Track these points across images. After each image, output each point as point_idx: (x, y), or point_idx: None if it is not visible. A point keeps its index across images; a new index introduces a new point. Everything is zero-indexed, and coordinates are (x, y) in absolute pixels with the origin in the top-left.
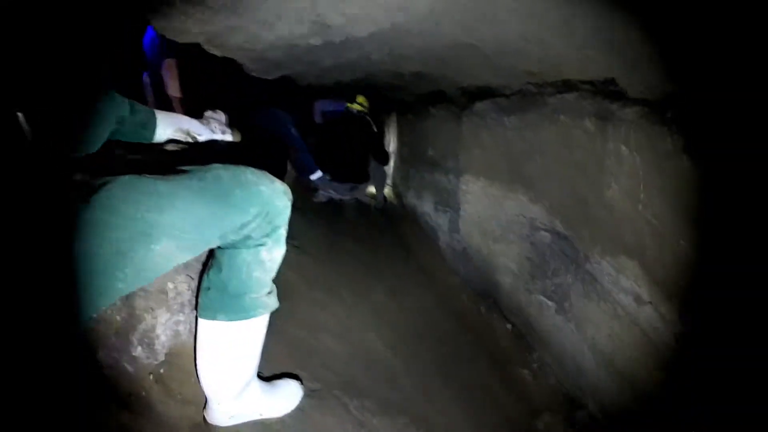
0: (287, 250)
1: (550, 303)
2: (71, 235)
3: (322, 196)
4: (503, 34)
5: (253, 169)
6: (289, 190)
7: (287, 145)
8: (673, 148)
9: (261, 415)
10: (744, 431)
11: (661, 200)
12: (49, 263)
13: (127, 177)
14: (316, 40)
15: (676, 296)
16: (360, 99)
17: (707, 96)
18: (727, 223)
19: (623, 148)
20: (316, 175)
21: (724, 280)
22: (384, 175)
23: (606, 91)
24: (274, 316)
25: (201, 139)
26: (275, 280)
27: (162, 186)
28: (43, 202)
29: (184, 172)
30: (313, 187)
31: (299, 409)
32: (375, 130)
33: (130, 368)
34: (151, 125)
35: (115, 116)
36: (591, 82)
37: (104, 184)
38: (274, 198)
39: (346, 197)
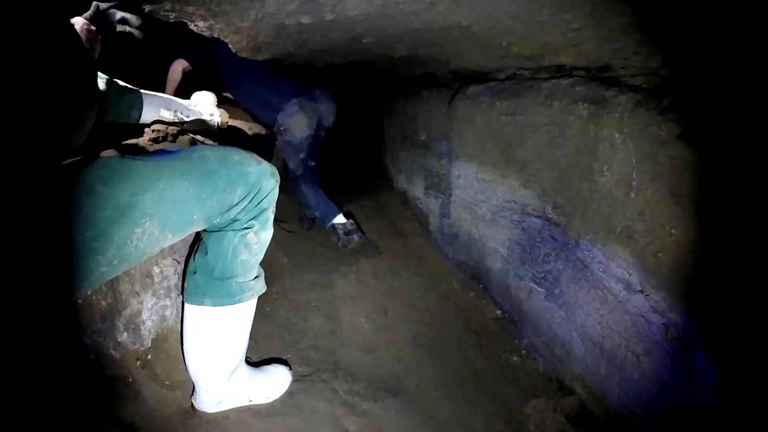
0: (278, 233)
1: (540, 289)
2: (50, 217)
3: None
4: (496, 13)
5: (240, 150)
6: (276, 172)
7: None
8: (667, 135)
9: (250, 400)
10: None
11: (654, 188)
12: (28, 247)
13: (108, 158)
14: (305, 19)
15: (668, 286)
16: None
17: (704, 84)
18: (720, 212)
19: (617, 134)
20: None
21: (717, 270)
22: None
23: (601, 77)
24: (264, 298)
25: (188, 119)
26: (266, 263)
27: (144, 166)
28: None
29: (169, 152)
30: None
31: (288, 393)
32: None
33: (116, 354)
34: (138, 106)
35: (99, 98)
36: (586, 68)
37: (85, 166)
38: (261, 179)
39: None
